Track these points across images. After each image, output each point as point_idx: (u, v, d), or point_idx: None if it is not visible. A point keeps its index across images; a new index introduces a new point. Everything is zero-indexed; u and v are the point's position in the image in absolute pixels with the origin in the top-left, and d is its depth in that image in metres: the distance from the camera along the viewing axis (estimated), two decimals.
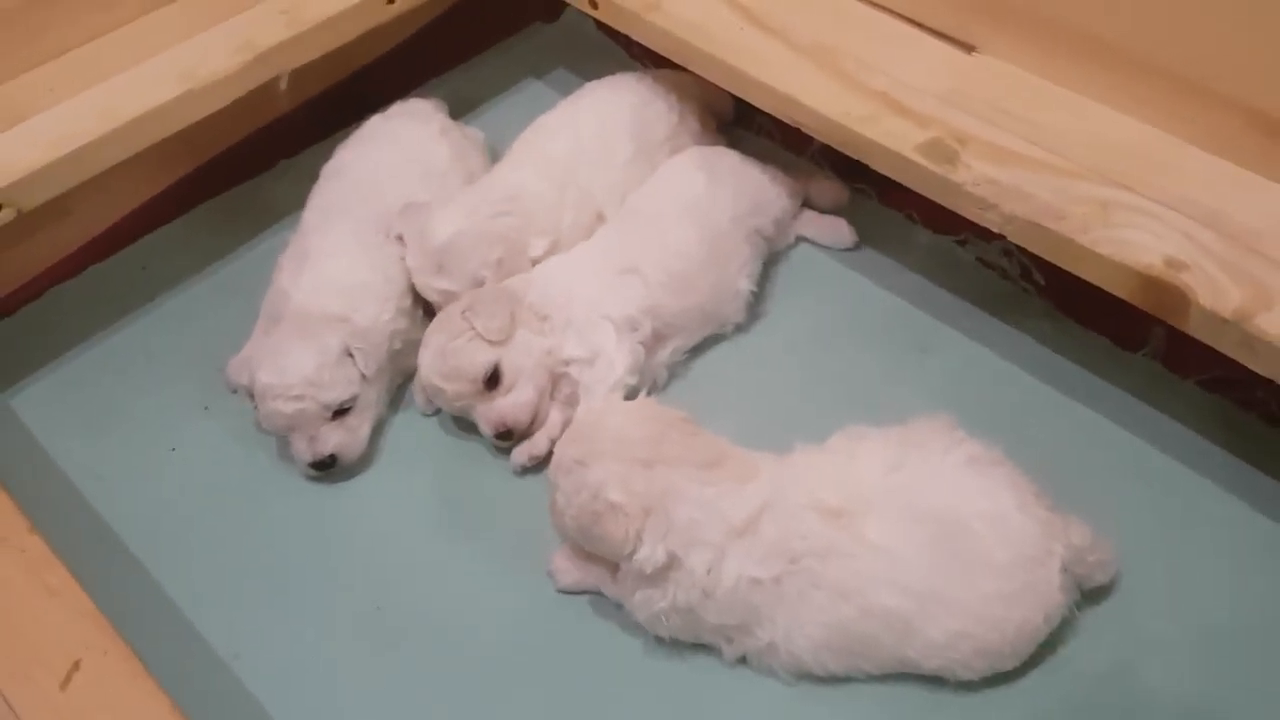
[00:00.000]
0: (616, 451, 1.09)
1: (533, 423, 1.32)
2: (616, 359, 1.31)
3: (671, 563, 1.08)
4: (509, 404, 1.31)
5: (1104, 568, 1.14)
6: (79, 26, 1.45)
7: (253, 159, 1.69)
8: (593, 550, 1.12)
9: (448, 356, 1.30)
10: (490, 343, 1.29)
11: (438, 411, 1.39)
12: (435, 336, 1.32)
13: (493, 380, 1.30)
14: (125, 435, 1.39)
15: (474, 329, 1.29)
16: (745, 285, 1.43)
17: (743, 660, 1.14)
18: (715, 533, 1.07)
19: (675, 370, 1.41)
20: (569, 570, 1.21)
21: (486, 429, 1.32)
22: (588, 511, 1.08)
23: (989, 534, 1.07)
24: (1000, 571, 1.06)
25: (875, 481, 1.11)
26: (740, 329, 1.44)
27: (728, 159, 1.51)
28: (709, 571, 1.07)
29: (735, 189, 1.46)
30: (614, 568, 1.13)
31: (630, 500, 1.07)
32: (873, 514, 1.08)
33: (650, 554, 1.07)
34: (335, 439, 1.29)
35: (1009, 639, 1.07)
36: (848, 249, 1.53)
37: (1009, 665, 1.10)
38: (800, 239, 1.55)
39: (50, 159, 1.31)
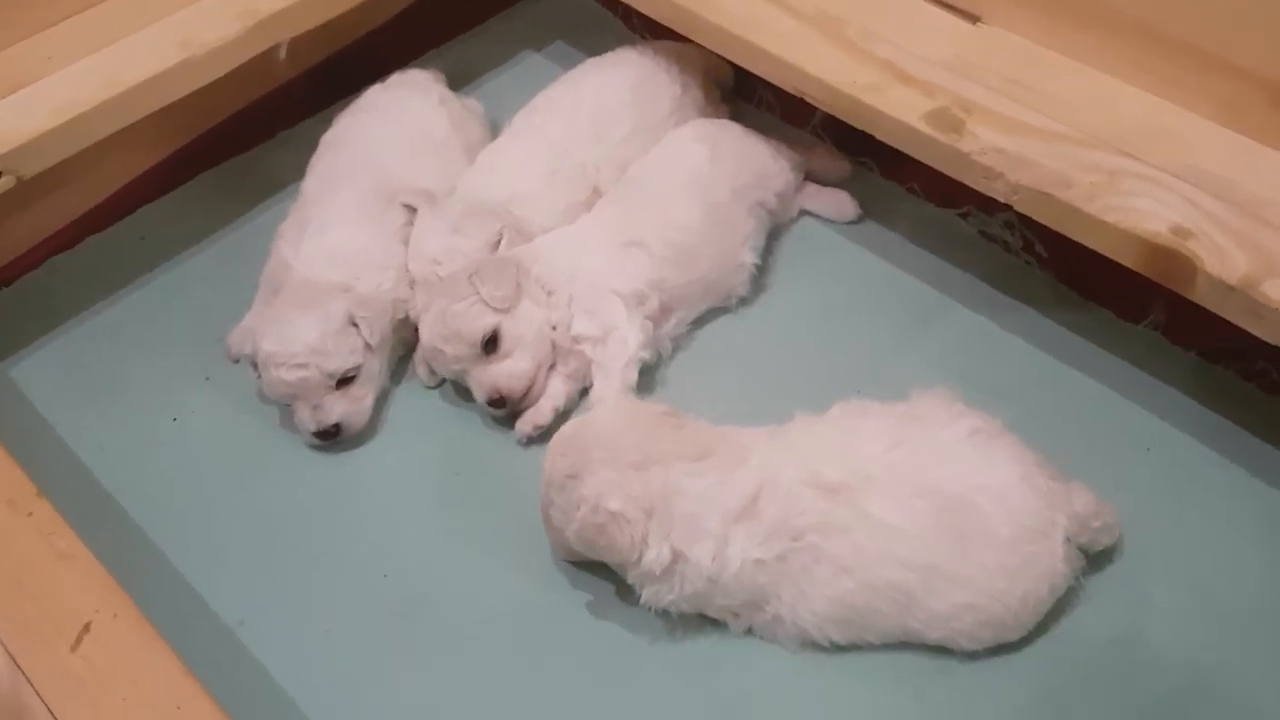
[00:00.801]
0: (607, 458, 1.08)
1: (528, 393, 1.32)
2: (629, 336, 1.30)
3: (676, 558, 1.07)
4: (504, 372, 1.30)
5: (1109, 531, 1.15)
6: None
7: (252, 129, 1.68)
8: (598, 558, 1.11)
9: (449, 319, 1.29)
10: (493, 309, 1.29)
11: (441, 383, 1.39)
12: (439, 300, 1.31)
13: (491, 345, 1.30)
14: (126, 405, 1.38)
15: (479, 294, 1.29)
16: (749, 258, 1.42)
17: (750, 631, 1.14)
18: (715, 522, 1.07)
19: (678, 342, 1.40)
20: None
21: (480, 395, 1.31)
22: (590, 524, 1.07)
23: (992, 507, 1.07)
24: (1003, 544, 1.06)
25: (877, 456, 1.10)
26: (743, 302, 1.44)
27: (730, 132, 1.50)
28: (714, 560, 1.07)
29: (737, 162, 1.46)
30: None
31: (630, 506, 1.06)
32: (875, 489, 1.08)
33: (657, 555, 1.07)
34: (340, 408, 1.29)
35: (1013, 610, 1.07)
36: (850, 222, 1.53)
37: (1014, 636, 1.10)
38: (803, 212, 1.54)
39: (49, 126, 1.31)
